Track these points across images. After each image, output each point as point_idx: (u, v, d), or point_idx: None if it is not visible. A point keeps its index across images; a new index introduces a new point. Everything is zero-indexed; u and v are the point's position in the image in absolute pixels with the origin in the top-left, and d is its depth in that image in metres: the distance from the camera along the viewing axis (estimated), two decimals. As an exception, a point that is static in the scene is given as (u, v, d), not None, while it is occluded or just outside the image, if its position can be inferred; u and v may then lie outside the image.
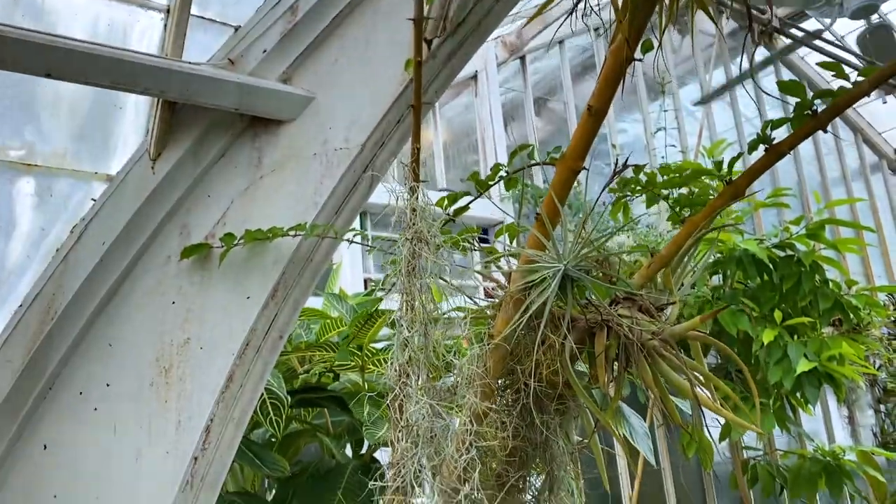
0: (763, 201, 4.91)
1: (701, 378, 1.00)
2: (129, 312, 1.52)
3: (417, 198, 0.95)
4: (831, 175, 6.96)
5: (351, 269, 3.13)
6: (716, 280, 4.75)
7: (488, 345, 0.95)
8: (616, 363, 0.97)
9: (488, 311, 1.01)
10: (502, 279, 1.02)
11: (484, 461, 0.92)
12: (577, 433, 1.09)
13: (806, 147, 6.60)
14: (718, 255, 4.51)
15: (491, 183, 1.10)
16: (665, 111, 5.45)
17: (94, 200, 1.53)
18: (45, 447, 1.48)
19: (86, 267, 1.50)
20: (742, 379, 4.48)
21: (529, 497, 0.98)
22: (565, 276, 0.91)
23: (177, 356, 1.49)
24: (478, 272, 1.03)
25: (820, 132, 1.07)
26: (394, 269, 0.95)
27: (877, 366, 5.52)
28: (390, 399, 0.92)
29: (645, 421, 2.73)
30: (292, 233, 1.38)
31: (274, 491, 2.11)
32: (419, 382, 0.89)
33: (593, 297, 1.00)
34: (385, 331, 2.08)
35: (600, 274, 0.96)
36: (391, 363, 0.93)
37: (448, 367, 0.95)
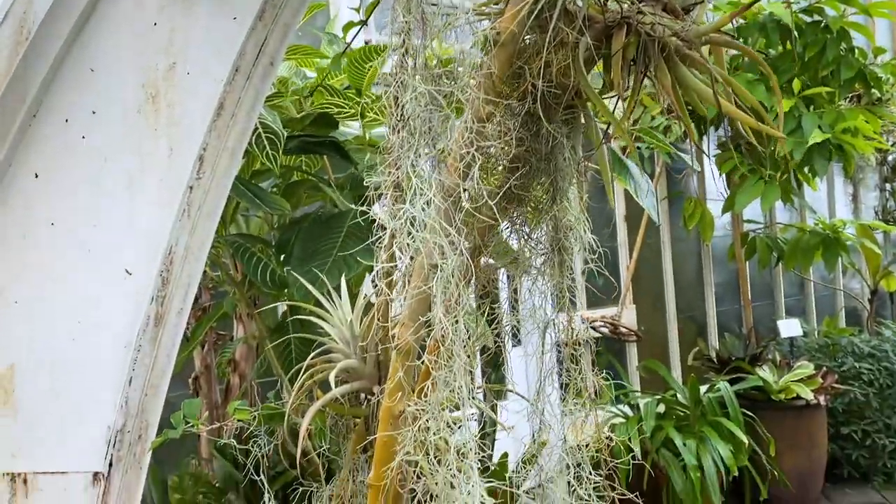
0: (796, -38, 4.53)
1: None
2: (108, 35, 1.42)
3: None
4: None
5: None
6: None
7: (493, 43, 0.86)
8: (633, 66, 0.88)
9: (494, 6, 0.91)
10: (512, -27, 0.91)
11: (485, 167, 0.87)
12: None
13: None
14: (741, 21, 4.26)
15: None
16: None
17: None
18: (37, 175, 1.45)
19: (56, -18, 1.38)
20: (751, 150, 4.42)
21: (531, 207, 0.95)
22: (584, -43, 0.80)
23: (163, 82, 1.40)
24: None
25: None
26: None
27: (890, 143, 5.42)
28: (386, 95, 0.85)
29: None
30: (278, -61, 1.23)
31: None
32: (416, 70, 0.82)
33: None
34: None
35: (623, -37, 0.85)
36: (387, 57, 0.84)
37: (447, 64, 0.87)
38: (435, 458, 0.77)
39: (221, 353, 2.67)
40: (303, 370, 1.13)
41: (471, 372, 0.79)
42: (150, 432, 1.44)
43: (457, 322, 0.78)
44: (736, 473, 3.90)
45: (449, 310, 0.77)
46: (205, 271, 2.68)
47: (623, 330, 4.53)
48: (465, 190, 0.79)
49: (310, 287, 1.21)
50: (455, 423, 0.79)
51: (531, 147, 0.91)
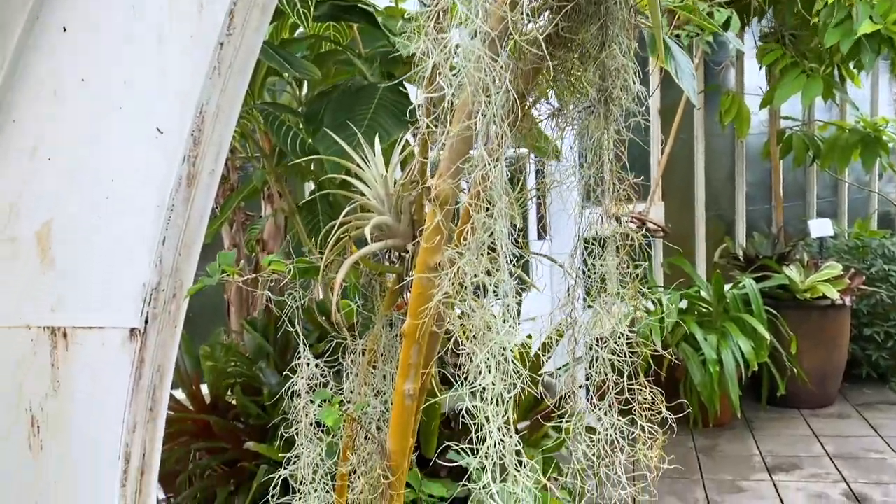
0: None
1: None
2: None
3: None
4: None
5: None
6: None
7: None
8: None
9: None
10: None
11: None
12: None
13: None
14: None
15: None
16: None
17: None
18: (65, 29, 1.42)
19: None
20: (795, 42, 4.24)
21: (577, 54, 0.90)
22: None
23: (191, -70, 1.34)
24: None
25: None
26: None
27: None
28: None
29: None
30: None
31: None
32: None
33: None
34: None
35: None
36: None
37: None
38: (473, 299, 0.76)
39: (250, 230, 2.70)
40: (336, 226, 1.13)
41: (511, 216, 0.78)
42: (183, 292, 1.46)
43: (498, 163, 0.75)
44: (755, 369, 3.95)
45: (491, 151, 0.75)
46: (233, 147, 2.68)
47: (650, 226, 4.49)
48: (512, 24, 0.75)
49: (342, 143, 1.19)
50: (493, 267, 0.78)
51: (581, -11, 0.86)
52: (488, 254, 0.80)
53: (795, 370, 4.11)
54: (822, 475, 3.61)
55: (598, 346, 0.91)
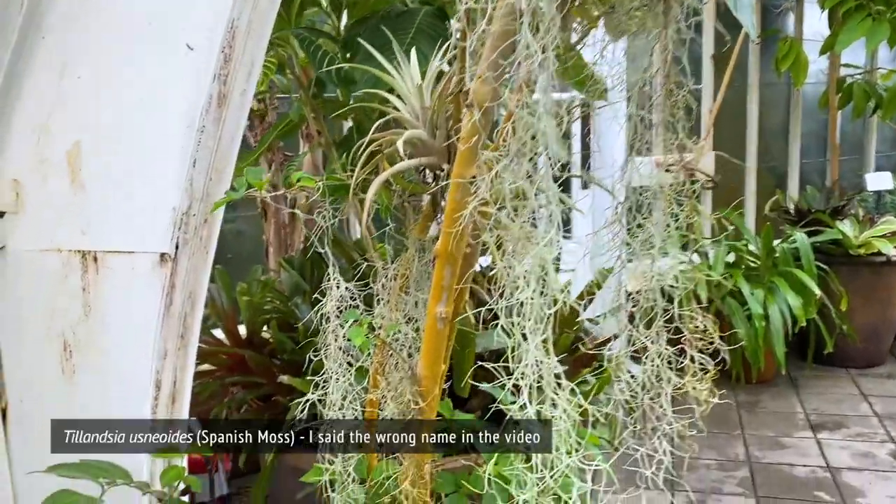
0: None
1: None
2: None
3: None
4: None
5: None
6: None
7: None
8: None
9: None
10: None
11: None
12: None
13: None
14: None
15: None
16: None
17: None
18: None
19: None
20: (862, -17, 4.00)
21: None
22: None
23: None
24: None
25: None
26: None
27: None
28: None
29: None
30: None
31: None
32: None
33: None
34: None
35: None
36: None
37: None
38: (512, 207, 0.70)
39: (288, 168, 2.66)
40: (366, 142, 1.06)
41: (557, 116, 0.71)
42: (215, 217, 1.42)
43: (546, 54, 0.68)
44: (804, 324, 3.81)
45: (539, 39, 0.67)
46: (271, 83, 2.62)
47: (699, 176, 4.33)
48: None
49: (378, 57, 1.12)
50: (534, 175, 0.71)
51: None
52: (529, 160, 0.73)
53: (845, 328, 3.96)
54: (869, 434, 3.50)
55: (649, 271, 0.85)
